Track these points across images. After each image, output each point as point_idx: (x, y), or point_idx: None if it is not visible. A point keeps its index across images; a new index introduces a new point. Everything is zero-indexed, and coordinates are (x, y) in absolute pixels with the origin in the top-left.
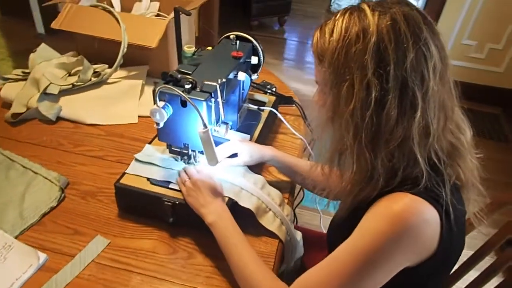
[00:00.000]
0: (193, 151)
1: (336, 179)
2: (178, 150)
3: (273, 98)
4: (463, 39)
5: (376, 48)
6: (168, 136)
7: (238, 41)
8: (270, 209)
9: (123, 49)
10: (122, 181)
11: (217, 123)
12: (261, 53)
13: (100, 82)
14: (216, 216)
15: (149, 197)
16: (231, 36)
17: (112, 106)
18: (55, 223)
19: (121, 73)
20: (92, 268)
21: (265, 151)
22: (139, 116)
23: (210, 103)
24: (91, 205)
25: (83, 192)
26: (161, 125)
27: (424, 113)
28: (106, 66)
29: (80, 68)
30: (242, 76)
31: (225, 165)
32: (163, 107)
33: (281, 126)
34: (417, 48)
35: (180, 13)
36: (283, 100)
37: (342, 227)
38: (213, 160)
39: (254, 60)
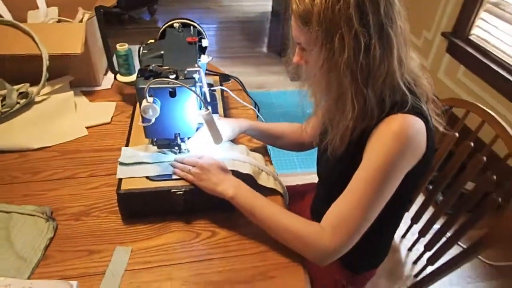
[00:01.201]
0: (181, 140)
1: (310, 132)
2: (167, 143)
3: (215, 77)
4: None
5: (356, 2)
6: (157, 131)
7: (183, 28)
8: (262, 170)
9: (45, 62)
10: (122, 187)
11: (200, 108)
12: (205, 35)
13: (29, 103)
14: (235, 188)
15: (158, 193)
16: (175, 24)
17: (51, 125)
18: (63, 251)
19: (45, 89)
20: (129, 276)
21: (242, 123)
22: (86, 127)
23: (196, 88)
24: (90, 223)
25: (73, 214)
26: (153, 120)
27: (398, 48)
28: (28, 84)
29: (2, 92)
30: (205, 59)
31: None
32: (154, 102)
33: (229, 102)
34: (384, 3)
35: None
36: (222, 78)
37: (341, 159)
38: (218, 138)
39: (204, 43)
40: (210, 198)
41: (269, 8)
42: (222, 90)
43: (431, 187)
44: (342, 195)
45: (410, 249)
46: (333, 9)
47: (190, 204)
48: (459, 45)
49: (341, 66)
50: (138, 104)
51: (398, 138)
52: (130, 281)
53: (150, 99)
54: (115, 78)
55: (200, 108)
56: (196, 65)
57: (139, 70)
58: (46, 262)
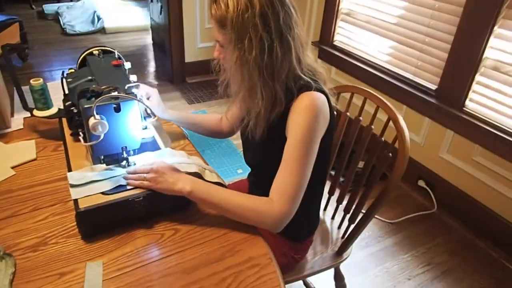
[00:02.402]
0: (127, 153)
1: (230, 119)
2: (115, 158)
3: None
4: (205, 24)
5: (260, 13)
6: (105, 147)
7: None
8: (205, 168)
9: None
10: (81, 206)
11: (144, 118)
12: (123, 59)
13: None
14: (191, 183)
15: (118, 204)
16: (95, 52)
17: None
18: (32, 281)
19: None
20: (108, 285)
21: (174, 113)
22: (12, 167)
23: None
24: (51, 251)
25: (29, 247)
26: (102, 136)
27: (296, 49)
28: None
29: None
30: (133, 78)
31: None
32: (101, 118)
33: None
34: (284, 10)
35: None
36: None
37: (264, 143)
38: (168, 141)
39: (127, 65)
40: (166, 200)
41: (150, 41)
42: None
43: (333, 173)
44: (280, 169)
45: (333, 217)
46: (243, 17)
47: (148, 209)
48: (327, 50)
49: (250, 63)
50: (64, 133)
51: (310, 109)
52: (114, 287)
53: (98, 117)
54: (31, 114)
55: (144, 119)
56: (133, 81)
57: (79, 93)
58: None
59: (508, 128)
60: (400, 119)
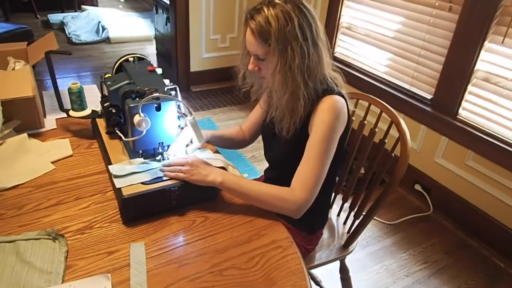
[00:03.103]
0: (162, 149)
1: (247, 131)
2: (152, 153)
3: None
4: (210, 36)
5: (298, 25)
6: (145, 142)
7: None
8: (228, 164)
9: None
10: (124, 194)
11: (179, 118)
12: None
13: None
14: (222, 174)
15: (156, 193)
16: (130, 59)
17: (17, 165)
18: (84, 258)
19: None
20: (151, 262)
21: (207, 132)
22: (52, 162)
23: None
24: (97, 234)
25: (77, 230)
26: (144, 132)
27: (324, 54)
28: None
29: None
30: (166, 81)
31: (193, 149)
32: (145, 116)
33: None
34: (314, 21)
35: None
36: None
37: (291, 140)
38: (201, 138)
39: (159, 71)
40: (197, 191)
41: (154, 51)
42: None
43: (337, 178)
44: (302, 162)
45: (338, 214)
46: (285, 30)
47: (181, 198)
48: None
49: (295, 69)
50: (100, 132)
51: (332, 110)
52: (154, 264)
53: (142, 114)
54: (68, 115)
55: (179, 118)
56: (171, 84)
57: (124, 94)
58: (71, 270)
59: (498, 134)
60: (402, 123)
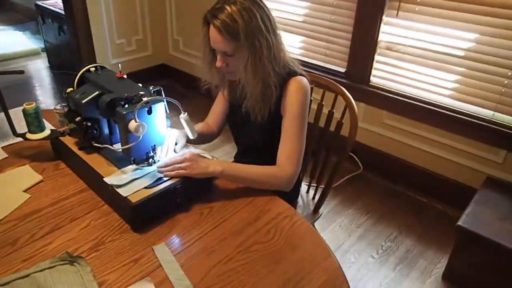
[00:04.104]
0: (153, 152)
1: (212, 124)
2: (144, 158)
3: None
4: (116, 40)
5: (261, 18)
6: (140, 148)
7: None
8: (213, 157)
9: None
10: (133, 201)
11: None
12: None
13: None
14: (220, 164)
15: (162, 194)
16: (91, 69)
17: None
18: (111, 272)
19: None
20: (181, 258)
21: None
22: (24, 191)
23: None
24: (112, 247)
25: (89, 249)
26: (141, 137)
27: (282, 42)
28: None
29: None
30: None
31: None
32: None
33: None
34: (269, 12)
35: None
36: None
37: (265, 124)
38: (194, 133)
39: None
40: (196, 184)
41: (46, 64)
42: None
43: None
44: (282, 140)
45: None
46: (251, 25)
47: (184, 194)
48: None
49: (264, 60)
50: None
51: (300, 90)
52: (184, 259)
53: (138, 120)
54: (25, 138)
55: (167, 118)
56: (152, 86)
57: (108, 103)
58: (105, 286)
59: (405, 93)
60: (346, 92)
